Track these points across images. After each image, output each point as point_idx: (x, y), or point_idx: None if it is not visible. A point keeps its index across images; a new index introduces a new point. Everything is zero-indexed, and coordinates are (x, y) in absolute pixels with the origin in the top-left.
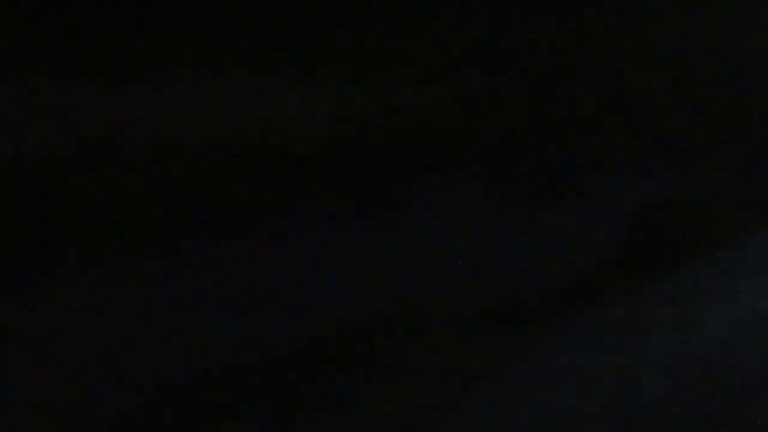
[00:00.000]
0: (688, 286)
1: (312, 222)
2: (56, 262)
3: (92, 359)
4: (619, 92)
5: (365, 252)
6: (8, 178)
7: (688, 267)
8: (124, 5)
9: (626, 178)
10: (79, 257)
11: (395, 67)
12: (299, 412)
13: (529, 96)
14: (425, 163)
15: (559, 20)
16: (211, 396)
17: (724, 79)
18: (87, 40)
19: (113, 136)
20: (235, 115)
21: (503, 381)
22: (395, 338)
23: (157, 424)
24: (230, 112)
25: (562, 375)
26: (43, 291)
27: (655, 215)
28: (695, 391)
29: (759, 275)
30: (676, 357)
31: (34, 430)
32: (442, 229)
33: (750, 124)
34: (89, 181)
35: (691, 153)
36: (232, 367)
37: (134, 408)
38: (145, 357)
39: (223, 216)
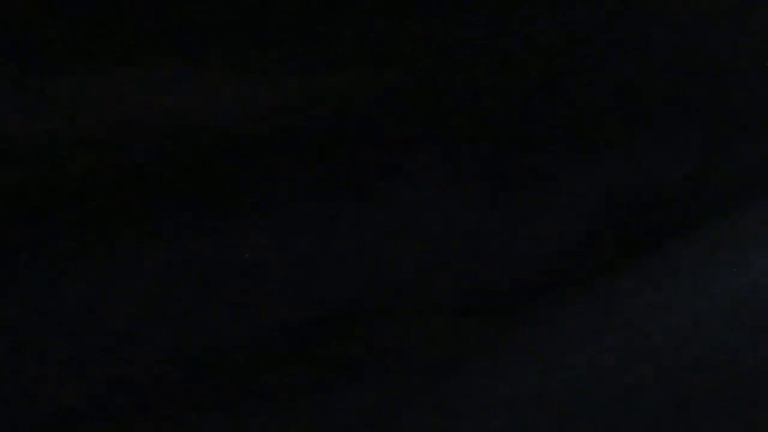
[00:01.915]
0: (663, 272)
1: (293, 212)
2: (47, 252)
3: (81, 356)
4: (592, 78)
5: (337, 241)
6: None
7: (664, 252)
8: None
9: (600, 162)
10: (66, 248)
11: (382, 57)
12: (277, 400)
13: (500, 84)
14: (397, 155)
15: (552, 16)
16: (192, 386)
17: (705, 67)
18: (79, 27)
19: (101, 129)
20: (216, 105)
21: (475, 371)
22: (366, 328)
23: (147, 413)
24: (211, 103)
25: (535, 364)
26: (35, 284)
27: (629, 200)
28: (674, 378)
29: (737, 256)
30: (655, 345)
31: (33, 427)
32: (412, 219)
33: (727, 107)
34: (81, 173)
35: (664, 136)
36: (210, 357)
37: (124, 401)
38: (137, 350)
39: (206, 208)
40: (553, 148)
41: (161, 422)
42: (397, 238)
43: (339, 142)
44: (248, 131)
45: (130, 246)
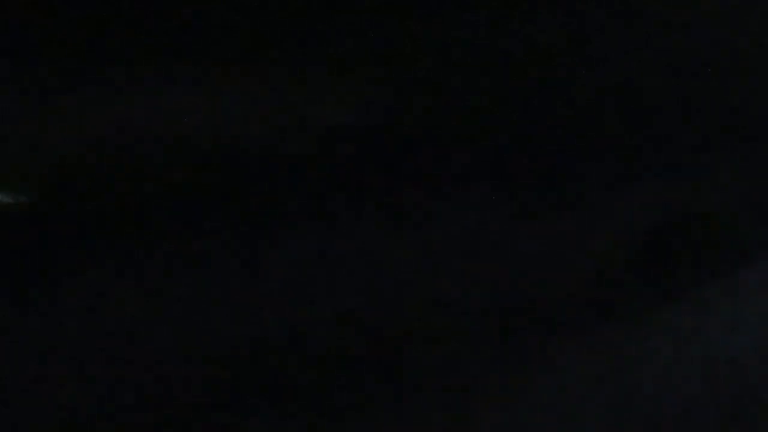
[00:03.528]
0: (699, 301)
1: (317, 225)
2: (60, 263)
3: (93, 359)
4: (634, 101)
5: (370, 255)
6: (12, 179)
7: (700, 282)
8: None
9: (638, 188)
10: (82, 259)
11: (397, 68)
12: (302, 413)
13: (539, 101)
14: (432, 167)
15: (568, 22)
16: (209, 398)
17: (739, 86)
18: (88, 38)
19: (112, 138)
20: (242, 116)
21: (506, 387)
22: (398, 342)
23: (157, 425)
24: (235, 113)
25: (565, 382)
26: (45, 292)
27: (667, 226)
28: (698, 406)
29: None
30: (682, 373)
31: (35, 429)
32: (446, 234)
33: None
34: (91, 183)
35: (708, 164)
36: (230, 369)
37: (135, 409)
38: (146, 357)
39: (228, 219)
40: (564, 157)
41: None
42: (418, 252)
43: (368, 151)
44: (282, 144)
45: (142, 253)
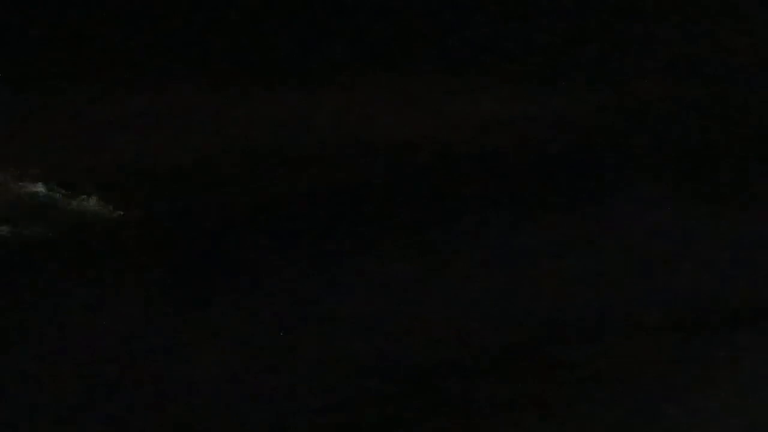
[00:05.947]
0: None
1: (516, 221)
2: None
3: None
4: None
5: (567, 253)
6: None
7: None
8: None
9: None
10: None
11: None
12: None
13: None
14: (627, 168)
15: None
16: (405, 398)
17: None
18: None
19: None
20: (435, 121)
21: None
22: (588, 344)
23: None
24: (428, 119)
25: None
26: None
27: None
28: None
29: None
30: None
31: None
32: (643, 234)
33: None
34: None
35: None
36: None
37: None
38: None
39: (433, 215)
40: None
41: None
42: (614, 252)
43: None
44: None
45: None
